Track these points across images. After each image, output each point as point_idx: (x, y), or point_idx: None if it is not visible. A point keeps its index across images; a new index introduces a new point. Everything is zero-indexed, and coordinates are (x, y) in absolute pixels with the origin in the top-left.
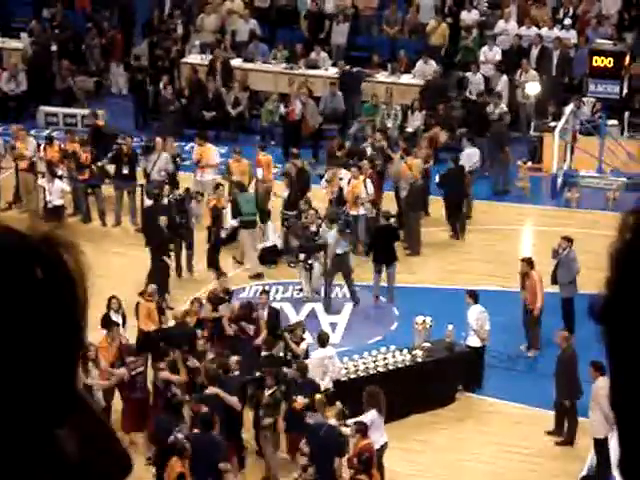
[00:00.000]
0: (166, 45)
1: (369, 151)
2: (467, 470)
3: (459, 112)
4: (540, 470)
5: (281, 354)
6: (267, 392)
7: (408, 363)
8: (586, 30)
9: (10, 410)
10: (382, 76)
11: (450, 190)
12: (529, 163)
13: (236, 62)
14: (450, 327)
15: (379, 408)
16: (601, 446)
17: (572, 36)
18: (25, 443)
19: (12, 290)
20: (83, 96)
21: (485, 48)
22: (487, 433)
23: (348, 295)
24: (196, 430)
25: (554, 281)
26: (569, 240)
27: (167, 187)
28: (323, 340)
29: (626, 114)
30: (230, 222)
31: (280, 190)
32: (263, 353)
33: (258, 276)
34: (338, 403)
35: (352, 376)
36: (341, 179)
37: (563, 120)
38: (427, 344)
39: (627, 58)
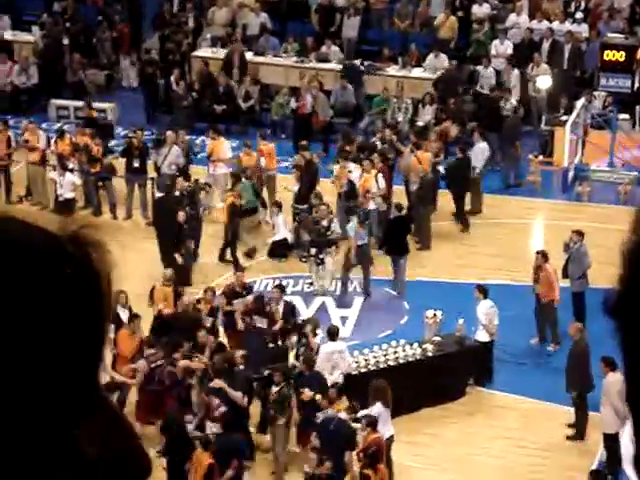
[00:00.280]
0: (177, 38)
1: (379, 145)
2: (477, 464)
3: (470, 106)
4: (550, 464)
5: (292, 347)
6: (275, 389)
7: (418, 357)
8: (598, 24)
9: (35, 407)
10: (393, 70)
11: (454, 181)
12: (540, 157)
13: (247, 55)
14: (461, 321)
15: (384, 401)
16: (611, 441)
17: (584, 30)
18: (45, 441)
19: (43, 292)
20: (94, 89)
21: (496, 42)
22: (497, 427)
23: (360, 287)
24: (209, 422)
25: (565, 275)
26: (580, 234)
27: (179, 180)
28: (333, 334)
29: (637, 108)
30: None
31: (290, 184)
32: (270, 345)
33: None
34: (344, 398)
35: (362, 370)
36: (350, 172)
37: (574, 114)
38: (437, 338)
39: (639, 52)
